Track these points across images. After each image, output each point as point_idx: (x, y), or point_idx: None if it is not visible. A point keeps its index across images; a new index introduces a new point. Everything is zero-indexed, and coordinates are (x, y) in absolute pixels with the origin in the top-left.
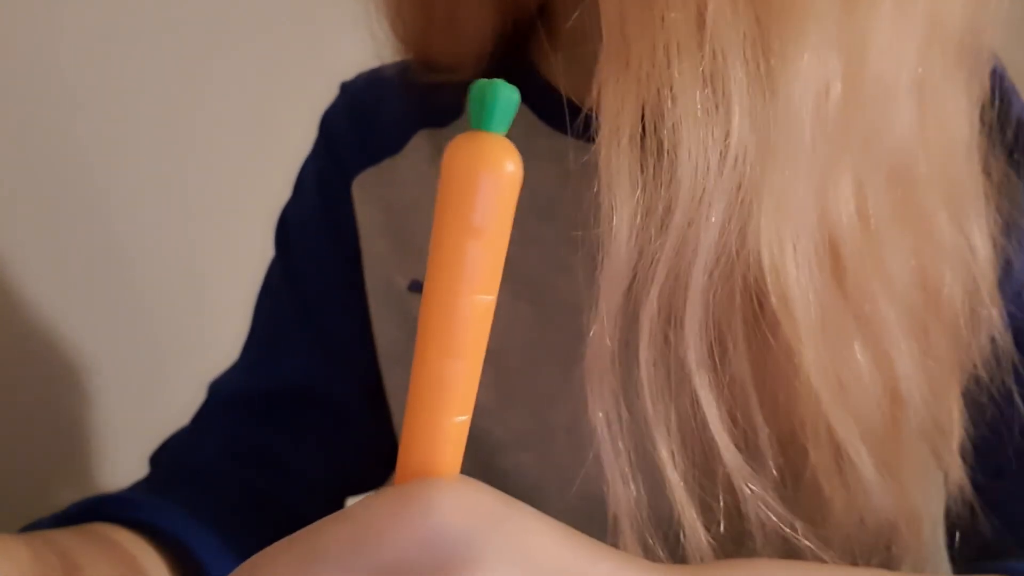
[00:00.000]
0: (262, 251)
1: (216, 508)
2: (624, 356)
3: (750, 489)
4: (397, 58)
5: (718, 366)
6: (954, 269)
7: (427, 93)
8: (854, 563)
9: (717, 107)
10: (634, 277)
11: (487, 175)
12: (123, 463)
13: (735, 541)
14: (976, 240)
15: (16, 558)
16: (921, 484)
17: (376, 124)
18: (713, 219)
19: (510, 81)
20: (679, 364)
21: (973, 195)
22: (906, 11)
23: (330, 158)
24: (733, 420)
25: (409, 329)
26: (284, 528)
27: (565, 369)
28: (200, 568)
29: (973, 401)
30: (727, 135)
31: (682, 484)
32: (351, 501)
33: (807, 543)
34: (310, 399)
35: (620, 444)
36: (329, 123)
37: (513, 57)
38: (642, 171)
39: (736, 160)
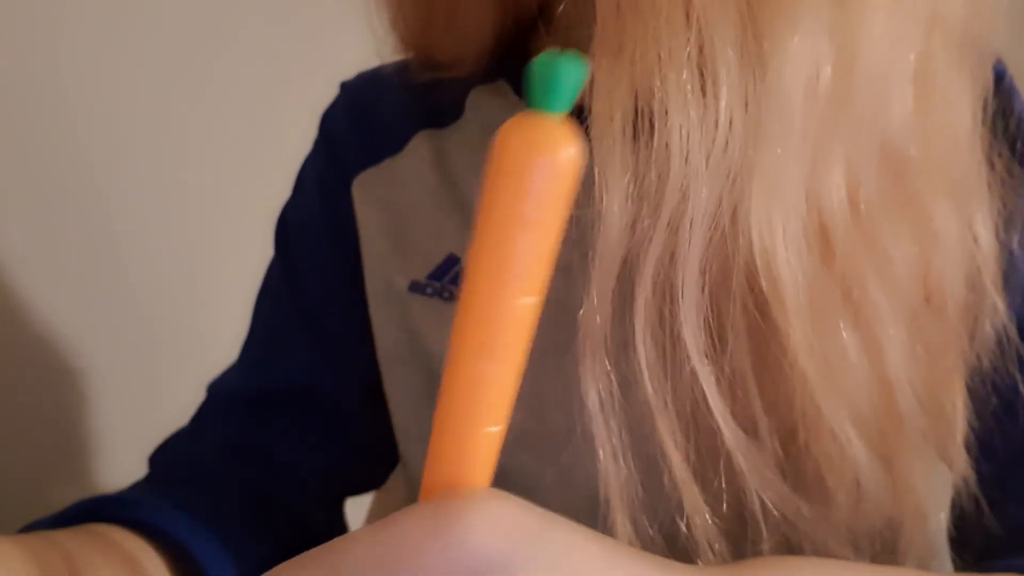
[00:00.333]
0: (262, 251)
1: (215, 508)
2: (619, 336)
3: (749, 468)
4: (397, 57)
5: (716, 344)
6: (955, 258)
7: (428, 93)
8: (856, 550)
9: (706, 89)
10: (627, 257)
11: (543, 161)
12: (122, 463)
13: (738, 522)
14: (979, 229)
15: (16, 558)
16: (924, 477)
17: (376, 124)
18: (705, 199)
19: (510, 79)
20: (675, 344)
21: (976, 185)
22: (902, 1)
23: (330, 158)
24: (733, 407)
25: (409, 330)
26: (283, 528)
27: (566, 371)
28: (199, 569)
29: (978, 393)
30: (717, 115)
31: (684, 464)
32: (350, 502)
33: (805, 526)
34: (309, 399)
35: (612, 423)
36: (329, 123)
37: (514, 55)
38: (634, 153)
39: (726, 141)
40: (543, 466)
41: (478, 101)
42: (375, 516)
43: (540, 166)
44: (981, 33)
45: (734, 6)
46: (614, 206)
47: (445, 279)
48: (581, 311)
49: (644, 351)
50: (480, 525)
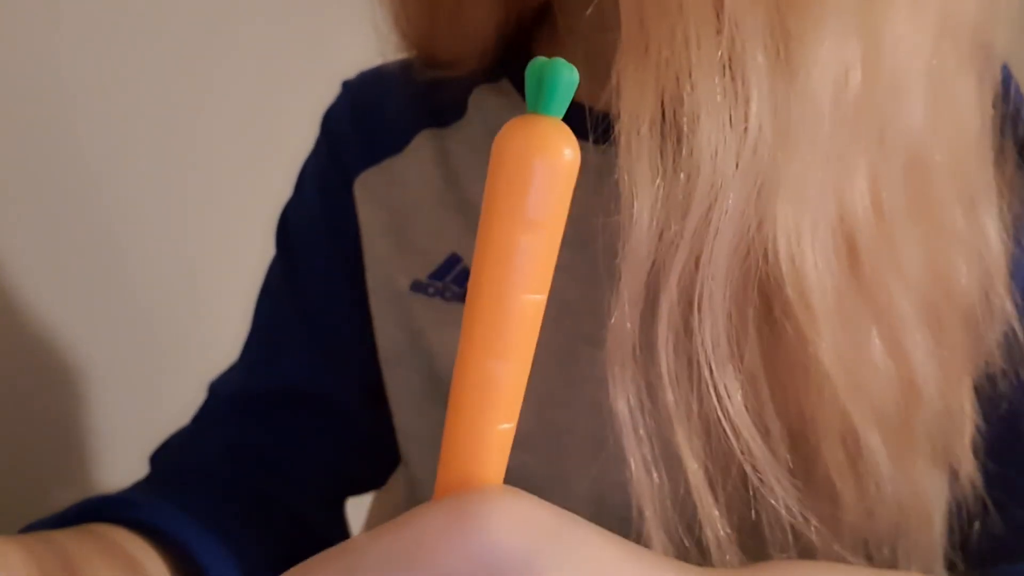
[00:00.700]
0: (262, 251)
1: (216, 508)
2: (645, 343)
3: (769, 478)
4: (400, 55)
5: (739, 352)
6: (968, 261)
7: (430, 92)
8: (867, 556)
9: (736, 93)
10: (653, 264)
11: (543, 162)
12: (123, 463)
13: (751, 532)
14: (990, 232)
15: (15, 558)
16: (932, 479)
17: (378, 123)
18: (732, 205)
19: (513, 78)
20: (699, 350)
21: (985, 188)
22: (920, 3)
23: (331, 157)
24: (753, 414)
25: (410, 330)
26: (283, 528)
27: (567, 371)
28: (199, 569)
29: (986, 395)
30: (746, 121)
31: (700, 472)
32: (351, 502)
33: (820, 534)
34: (310, 399)
35: (642, 432)
36: (331, 122)
37: (517, 54)
38: (661, 158)
39: (755, 146)
40: (547, 467)
41: (481, 100)
42: (375, 516)
43: (539, 167)
44: (989, 35)
45: (763, 10)
46: (644, 212)
47: (447, 279)
48: (612, 319)
49: (667, 358)
50: (500, 522)
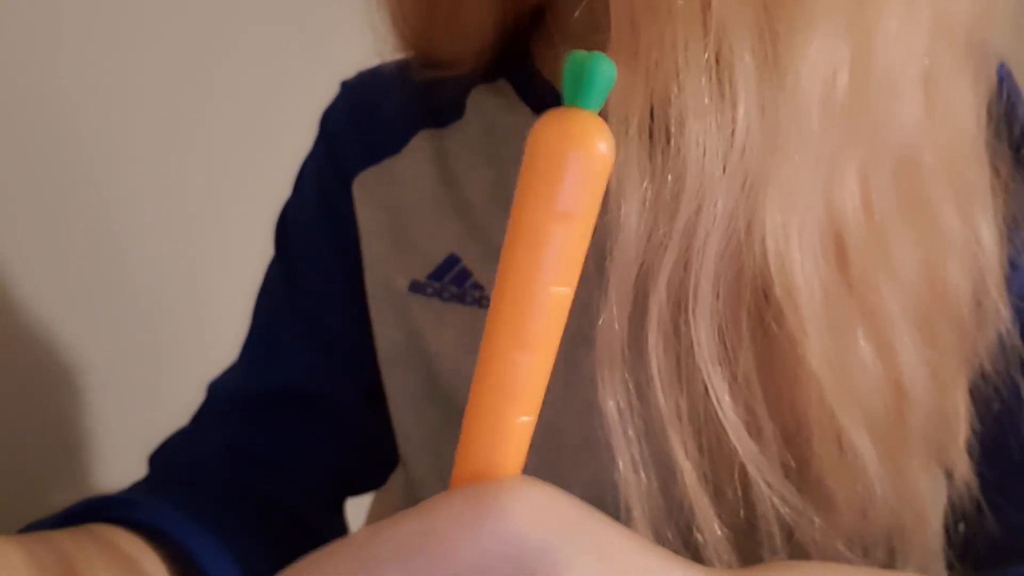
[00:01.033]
0: (262, 251)
1: (215, 509)
2: (635, 344)
3: (762, 478)
4: (398, 56)
5: (729, 353)
6: (960, 262)
7: (428, 92)
8: (863, 556)
9: (724, 95)
10: (642, 265)
11: (577, 155)
12: (122, 464)
13: (747, 532)
14: (983, 233)
15: (14, 559)
16: (927, 481)
17: (377, 123)
18: (720, 206)
19: (511, 79)
20: (689, 352)
21: (980, 189)
22: (913, 3)
23: (330, 157)
24: (744, 415)
25: (409, 330)
26: (283, 528)
27: (563, 371)
28: (199, 569)
29: (981, 397)
30: (734, 122)
31: (694, 473)
32: (351, 502)
33: (814, 534)
34: (309, 399)
35: (631, 432)
36: (329, 122)
37: (514, 54)
38: (650, 159)
39: (743, 148)
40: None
41: (479, 100)
42: (375, 516)
43: (574, 159)
44: (984, 36)
45: (751, 11)
46: (632, 214)
47: (445, 279)
48: (600, 320)
49: (656, 359)
50: (520, 511)
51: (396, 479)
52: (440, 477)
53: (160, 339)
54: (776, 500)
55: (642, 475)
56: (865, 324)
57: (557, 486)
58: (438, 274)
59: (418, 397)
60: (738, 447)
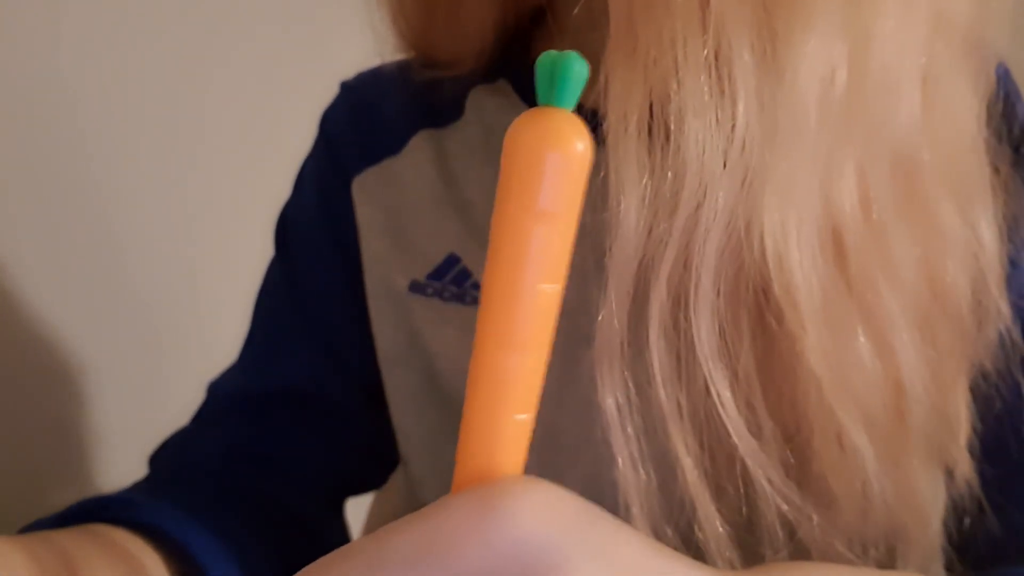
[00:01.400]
0: (262, 251)
1: (215, 509)
2: (634, 341)
3: (763, 476)
4: (398, 56)
5: (729, 350)
6: (960, 261)
7: (428, 92)
8: (864, 552)
9: (723, 92)
10: (641, 262)
11: (555, 154)
12: (122, 463)
13: (748, 529)
14: (983, 232)
15: (14, 559)
16: (928, 481)
17: (376, 124)
18: (720, 203)
19: (511, 79)
20: (690, 349)
21: (980, 188)
22: (911, 2)
23: (330, 158)
24: (744, 412)
25: (409, 330)
26: (283, 528)
27: (562, 369)
28: (199, 569)
29: (982, 396)
30: (733, 119)
31: (695, 470)
32: (351, 502)
33: (814, 532)
34: (309, 399)
35: (630, 429)
36: (329, 122)
37: (513, 54)
38: (650, 156)
39: (742, 145)
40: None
41: (478, 100)
42: (375, 516)
43: (552, 158)
44: (984, 36)
45: (750, 9)
46: (631, 210)
47: (445, 279)
48: (600, 317)
49: (657, 356)
50: (527, 512)
51: (396, 479)
52: (440, 477)
53: (160, 339)
54: (777, 498)
55: (641, 473)
56: (864, 322)
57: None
58: (438, 274)
59: (418, 397)
60: (739, 444)
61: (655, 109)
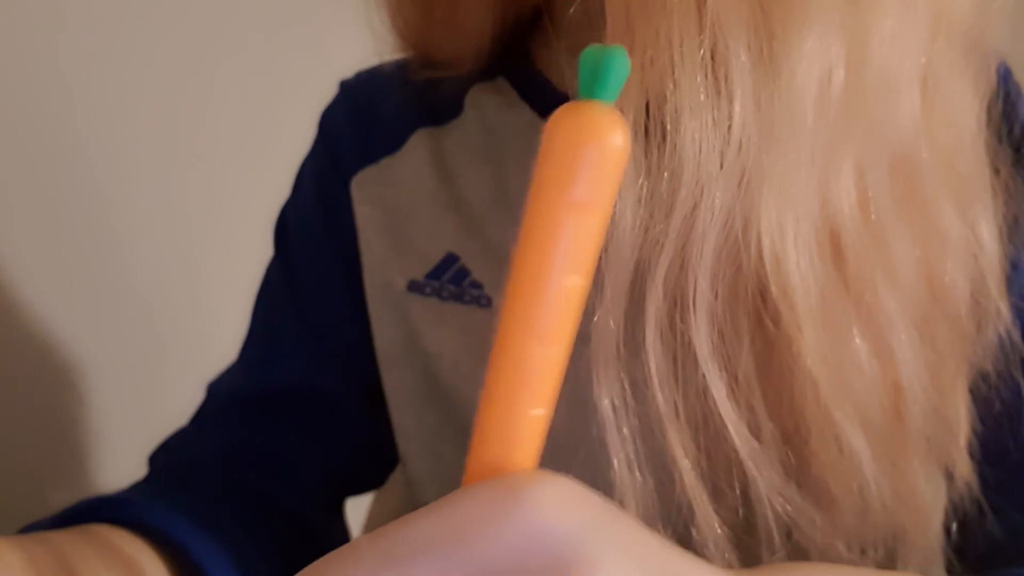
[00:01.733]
0: (262, 251)
1: (214, 508)
2: (630, 342)
3: (761, 477)
4: (397, 56)
5: (726, 351)
6: (959, 262)
7: (426, 91)
8: (863, 553)
9: (720, 92)
10: (638, 263)
11: (593, 146)
12: (121, 464)
13: (746, 530)
14: (983, 233)
15: (11, 560)
16: (928, 482)
17: (375, 123)
18: (717, 204)
19: (510, 77)
20: (686, 350)
21: (980, 189)
22: (910, 2)
23: (329, 157)
24: (742, 413)
25: (407, 329)
26: (283, 528)
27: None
28: (199, 570)
29: (982, 398)
30: (730, 119)
31: (693, 472)
32: (351, 502)
33: (813, 533)
34: (308, 399)
35: (625, 430)
36: (328, 122)
37: (512, 54)
38: (646, 156)
39: (739, 145)
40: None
41: (477, 99)
42: (375, 516)
43: (590, 150)
44: (984, 35)
45: (746, 8)
46: (627, 210)
47: (443, 278)
48: (595, 318)
49: (654, 357)
50: (548, 503)
51: (396, 479)
52: (440, 477)
53: (160, 339)
54: (775, 499)
55: (638, 474)
56: (862, 323)
57: None
58: (436, 273)
59: (417, 396)
60: (737, 445)
61: (651, 109)
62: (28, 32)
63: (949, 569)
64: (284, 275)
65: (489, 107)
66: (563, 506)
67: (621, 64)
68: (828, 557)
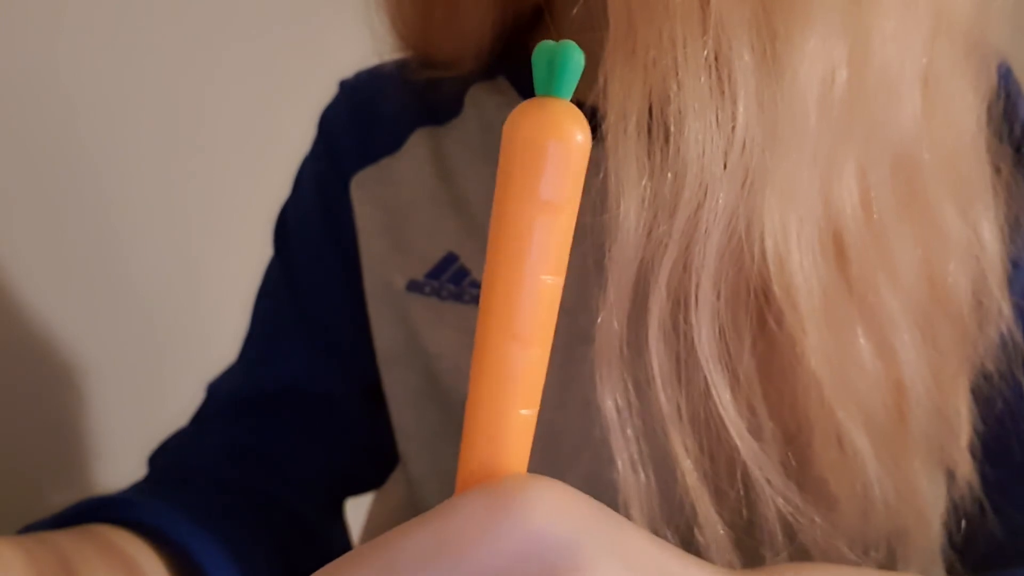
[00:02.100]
0: (262, 251)
1: (214, 509)
2: (634, 343)
3: (763, 477)
4: (396, 55)
5: (729, 351)
6: (961, 261)
7: (426, 91)
8: (864, 553)
9: (723, 92)
10: (641, 263)
11: (556, 144)
12: (122, 464)
13: (748, 531)
14: (984, 233)
15: (12, 560)
16: (929, 482)
17: (375, 122)
18: (720, 205)
19: (510, 76)
20: (690, 351)
21: (981, 188)
22: (911, 2)
23: (328, 157)
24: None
25: (407, 329)
26: (282, 529)
27: (562, 369)
28: (199, 570)
29: (983, 397)
30: (733, 120)
31: (695, 472)
32: (351, 502)
33: (815, 534)
34: (308, 399)
35: (629, 431)
36: (328, 121)
37: (512, 52)
38: (649, 157)
39: (742, 145)
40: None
41: (477, 98)
42: (375, 516)
43: (552, 148)
44: (985, 35)
45: (749, 9)
46: (631, 212)
47: (443, 278)
48: (599, 319)
49: (657, 358)
50: (542, 509)
51: (396, 479)
52: (440, 476)
53: (160, 339)
54: (778, 500)
55: (641, 475)
56: (864, 323)
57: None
58: (436, 273)
59: (417, 396)
60: (740, 446)
61: (654, 110)
62: (28, 32)
63: (950, 569)
64: (284, 275)
65: (489, 106)
66: (555, 512)
67: (576, 60)
68: (830, 557)
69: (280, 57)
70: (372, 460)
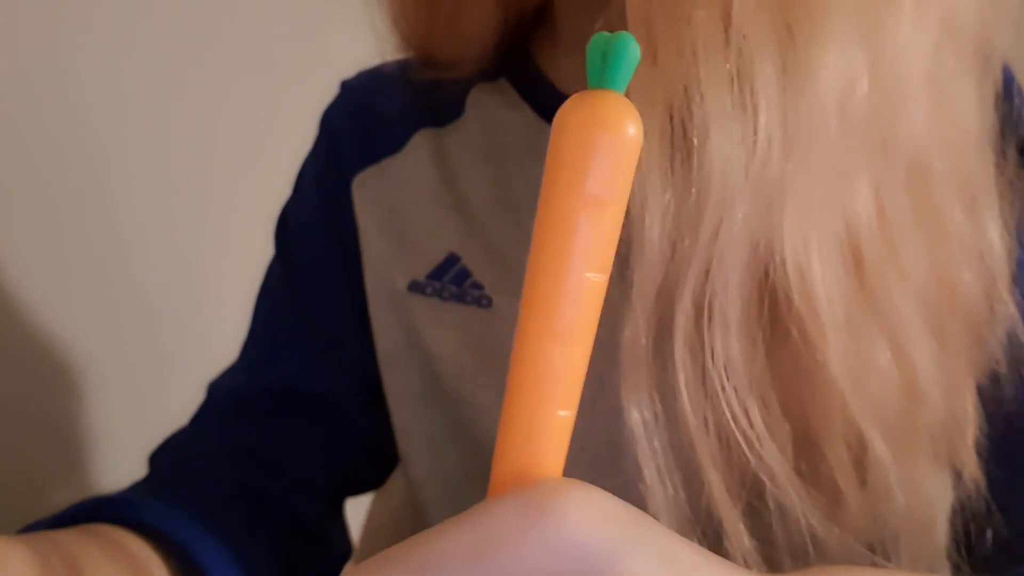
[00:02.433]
0: (262, 251)
1: (215, 509)
2: (659, 355)
3: (790, 488)
4: (398, 56)
5: (753, 363)
6: (970, 264)
7: (428, 91)
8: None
9: (745, 104)
10: (666, 277)
11: (606, 137)
12: (122, 463)
13: (772, 542)
14: (992, 235)
15: (19, 558)
16: (935, 481)
17: (376, 123)
18: (742, 217)
19: (511, 77)
20: (714, 362)
21: (987, 191)
22: (924, 7)
23: (330, 157)
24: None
25: (408, 330)
26: (283, 528)
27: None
28: (199, 569)
29: (990, 397)
30: (755, 133)
31: (722, 484)
32: (351, 502)
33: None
34: (309, 399)
35: (656, 443)
36: (329, 122)
37: (514, 54)
38: (672, 170)
39: (765, 158)
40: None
41: (479, 99)
42: (375, 516)
43: (604, 140)
44: (989, 37)
45: (770, 21)
46: (655, 225)
47: (444, 279)
48: (625, 331)
49: (683, 371)
50: (578, 515)
51: (396, 479)
52: (440, 477)
53: (160, 339)
54: (804, 509)
55: (668, 486)
56: (883, 330)
57: None
58: (437, 273)
59: (418, 397)
60: (764, 456)
61: (675, 123)
62: (28, 32)
63: (956, 569)
64: (285, 275)
65: (491, 107)
66: (592, 520)
67: (632, 51)
68: (853, 562)
69: (281, 57)
70: (372, 460)
